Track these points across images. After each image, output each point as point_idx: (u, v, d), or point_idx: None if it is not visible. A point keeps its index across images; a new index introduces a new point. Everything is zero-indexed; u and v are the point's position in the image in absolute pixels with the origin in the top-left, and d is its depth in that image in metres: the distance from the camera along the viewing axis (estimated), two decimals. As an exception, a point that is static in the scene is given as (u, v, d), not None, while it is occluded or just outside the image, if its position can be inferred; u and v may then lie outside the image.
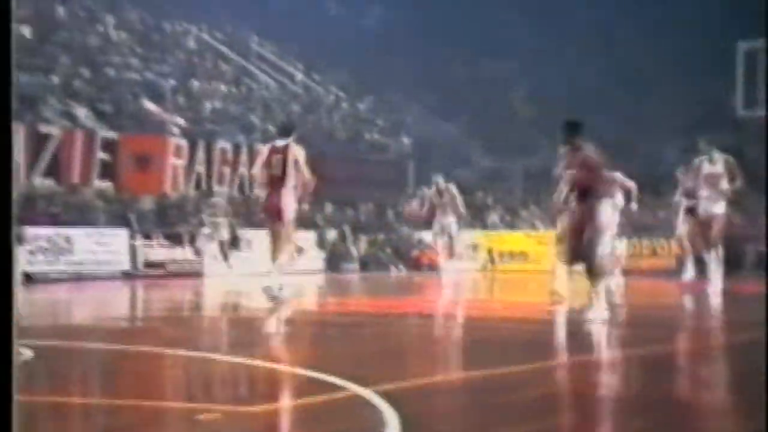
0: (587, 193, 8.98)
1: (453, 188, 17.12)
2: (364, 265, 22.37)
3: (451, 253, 17.03)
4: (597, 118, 18.46)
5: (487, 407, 4.96)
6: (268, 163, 10.87)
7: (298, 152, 10.81)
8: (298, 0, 31.63)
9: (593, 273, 8.95)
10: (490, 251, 23.40)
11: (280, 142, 10.97)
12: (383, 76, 30.66)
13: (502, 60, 31.31)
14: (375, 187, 26.72)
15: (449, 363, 6.47)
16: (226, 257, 19.49)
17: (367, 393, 4.90)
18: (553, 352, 7.49)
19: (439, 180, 17.32)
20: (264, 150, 11.25)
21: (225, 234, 19.71)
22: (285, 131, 11.26)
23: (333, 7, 35.28)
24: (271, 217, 10.87)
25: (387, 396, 4.75)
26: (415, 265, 22.68)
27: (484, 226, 24.96)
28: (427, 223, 18.29)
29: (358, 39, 32.50)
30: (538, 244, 21.45)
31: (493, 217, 25.87)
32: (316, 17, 32.73)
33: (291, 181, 10.67)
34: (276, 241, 10.94)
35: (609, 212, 10.48)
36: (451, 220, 16.91)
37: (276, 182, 10.73)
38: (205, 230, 19.80)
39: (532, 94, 30.58)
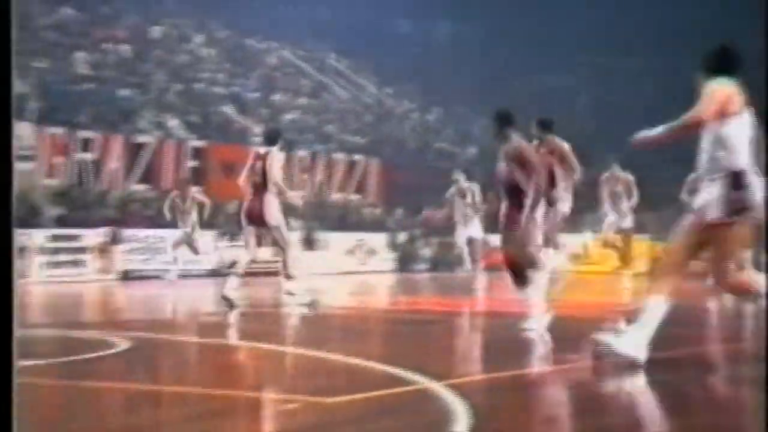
0: (513, 190, 7.66)
1: (476, 188, 15.37)
2: (434, 265, 22.31)
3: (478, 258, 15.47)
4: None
5: (549, 402, 4.93)
6: (251, 170, 10.34)
7: (275, 159, 10.29)
8: (372, 19, 31.70)
9: (519, 278, 7.72)
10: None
11: (262, 149, 10.45)
12: (450, 88, 30.57)
13: (565, 72, 30.98)
14: (443, 193, 26.65)
15: (514, 359, 6.43)
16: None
17: (436, 386, 4.90)
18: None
19: (461, 178, 15.50)
20: (250, 157, 10.65)
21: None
22: (269, 138, 10.70)
23: (403, 24, 35.34)
24: (253, 222, 10.28)
25: (456, 389, 4.75)
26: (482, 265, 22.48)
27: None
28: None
29: (427, 54, 32.48)
30: (599, 247, 21.17)
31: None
32: (388, 35, 32.79)
33: (271, 188, 10.16)
34: (252, 243, 10.46)
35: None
36: (475, 223, 15.34)
37: (258, 188, 10.22)
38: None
39: (595, 106, 30.20)
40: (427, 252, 22.79)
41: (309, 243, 20.40)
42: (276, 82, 28.31)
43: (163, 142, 21.08)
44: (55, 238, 16.94)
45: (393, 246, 22.33)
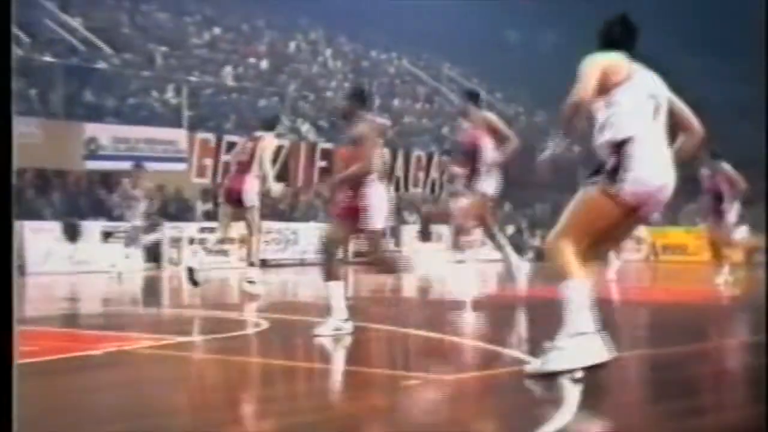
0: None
1: None
2: (540, 256, 21.96)
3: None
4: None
5: (653, 383, 4.76)
6: (240, 150, 9.56)
7: (267, 145, 9.31)
8: (482, 30, 31.43)
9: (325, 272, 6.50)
10: (653, 245, 22.62)
11: (258, 133, 9.51)
12: (555, 92, 30.03)
13: (665, 75, 30.00)
14: (548, 189, 26.27)
15: (621, 341, 6.23)
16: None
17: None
18: (710, 334, 7.10)
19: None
20: (242, 140, 9.88)
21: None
22: (266, 125, 9.74)
23: (511, 34, 35.02)
24: (231, 200, 9.37)
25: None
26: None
27: (648, 222, 24.00)
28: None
29: (533, 61, 32.01)
30: (696, 239, 20.44)
31: (655, 215, 24.83)
32: (498, 44, 32.49)
33: (255, 170, 9.19)
34: (227, 223, 9.57)
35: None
36: None
37: (241, 168, 9.32)
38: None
39: (696, 106, 29.14)
40: (534, 242, 22.46)
41: (424, 235, 20.43)
42: (395, 89, 28.42)
43: (296, 144, 21.44)
44: (204, 230, 17.42)
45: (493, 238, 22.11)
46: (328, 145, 22.02)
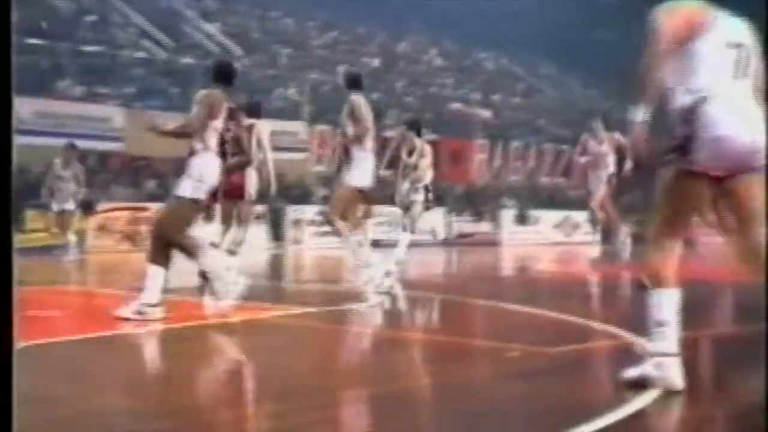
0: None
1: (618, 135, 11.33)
2: (636, 239, 21.30)
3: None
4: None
5: (742, 359, 4.49)
6: (235, 143, 7.94)
7: (263, 130, 8.31)
8: (576, 30, 30.66)
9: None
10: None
11: (247, 122, 8.10)
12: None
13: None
14: (637, 179, 25.49)
15: (716, 319, 5.94)
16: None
17: (641, 341, 4.60)
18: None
19: (599, 125, 11.88)
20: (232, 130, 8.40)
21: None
22: (252, 111, 8.33)
23: (604, 32, 34.04)
24: (233, 195, 7.99)
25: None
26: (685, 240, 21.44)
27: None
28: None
29: (627, 57, 30.99)
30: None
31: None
32: (591, 41, 31.60)
33: (254, 160, 7.95)
34: (228, 218, 8.18)
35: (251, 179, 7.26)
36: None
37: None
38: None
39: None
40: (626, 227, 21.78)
41: (522, 219, 20.15)
42: (495, 85, 28.05)
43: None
44: (323, 213, 17.63)
45: (593, 221, 21.53)
46: (433, 137, 21.95)
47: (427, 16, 28.28)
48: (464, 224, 19.72)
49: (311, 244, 16.77)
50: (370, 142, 7.33)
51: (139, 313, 5.26)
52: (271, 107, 19.54)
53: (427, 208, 9.76)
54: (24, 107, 14.86)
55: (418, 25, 29.04)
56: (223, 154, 5.86)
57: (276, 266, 13.15)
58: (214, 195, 6.08)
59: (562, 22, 29.96)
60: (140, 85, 18.10)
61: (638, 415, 3.03)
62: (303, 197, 18.30)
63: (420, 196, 9.72)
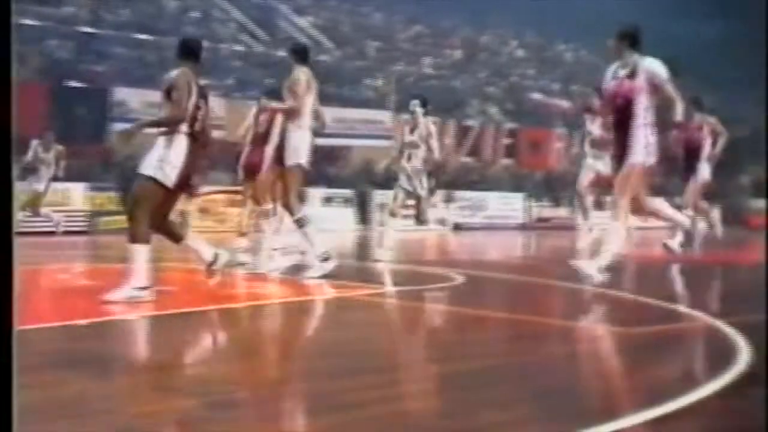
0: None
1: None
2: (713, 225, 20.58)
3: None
4: None
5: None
6: (255, 121, 8.10)
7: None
8: (649, 20, 29.65)
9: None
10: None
11: (267, 103, 7.74)
12: (724, 77, 27.82)
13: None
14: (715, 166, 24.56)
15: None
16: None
17: (718, 323, 4.44)
18: None
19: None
20: (253, 110, 8.33)
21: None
22: (272, 93, 7.86)
23: (675, 25, 32.90)
24: (252, 172, 7.90)
25: (736, 326, 4.25)
26: (746, 225, 20.56)
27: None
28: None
29: (697, 50, 29.84)
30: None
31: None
32: (663, 34, 30.54)
33: (274, 140, 7.36)
34: (248, 197, 8.01)
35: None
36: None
37: (259, 140, 7.85)
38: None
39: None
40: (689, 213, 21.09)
41: (599, 205, 19.65)
42: (574, 75, 27.42)
43: (484, 125, 21.24)
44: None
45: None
46: (513, 125, 21.69)
47: (507, 10, 27.91)
48: (543, 209, 19.45)
49: (396, 225, 16.80)
50: (307, 119, 6.78)
51: (131, 297, 4.78)
52: (360, 97, 19.67)
53: (430, 194, 9.39)
54: (133, 98, 15.43)
55: (500, 18, 28.68)
56: (192, 135, 5.07)
57: (363, 247, 13.27)
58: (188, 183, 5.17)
59: (636, 14, 29.10)
60: (239, 77, 18.49)
61: (716, 396, 2.93)
62: (388, 182, 18.37)
63: (425, 183, 9.18)
